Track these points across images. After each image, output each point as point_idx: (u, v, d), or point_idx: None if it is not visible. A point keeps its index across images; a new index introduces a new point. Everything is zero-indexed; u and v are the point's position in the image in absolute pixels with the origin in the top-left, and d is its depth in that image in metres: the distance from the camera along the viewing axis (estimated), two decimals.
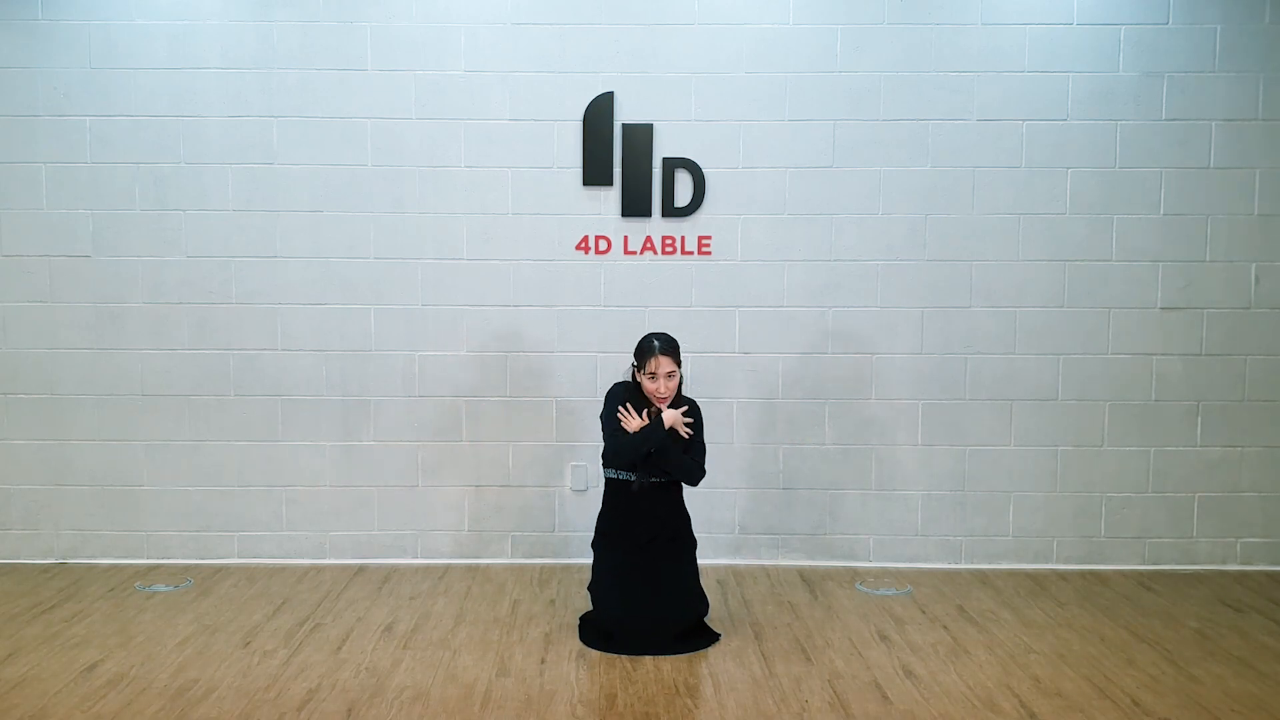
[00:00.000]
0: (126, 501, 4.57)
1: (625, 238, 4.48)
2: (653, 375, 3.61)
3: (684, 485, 3.74)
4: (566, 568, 4.52)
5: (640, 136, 4.43)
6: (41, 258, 4.48)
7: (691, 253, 4.49)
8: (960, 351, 4.53)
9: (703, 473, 3.70)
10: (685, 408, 3.67)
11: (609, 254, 4.49)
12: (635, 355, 3.70)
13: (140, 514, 4.57)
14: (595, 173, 4.45)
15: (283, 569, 4.50)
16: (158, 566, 4.52)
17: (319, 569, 4.50)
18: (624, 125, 4.43)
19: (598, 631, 3.64)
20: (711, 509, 4.56)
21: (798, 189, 4.47)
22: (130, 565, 4.53)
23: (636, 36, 4.42)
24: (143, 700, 3.15)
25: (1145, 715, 3.07)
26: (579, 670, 3.39)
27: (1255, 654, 3.56)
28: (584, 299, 4.49)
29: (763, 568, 4.54)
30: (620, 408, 3.63)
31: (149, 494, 4.57)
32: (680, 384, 3.70)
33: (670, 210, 4.47)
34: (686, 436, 3.65)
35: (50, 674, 3.35)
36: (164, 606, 4.01)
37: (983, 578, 4.43)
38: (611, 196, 4.48)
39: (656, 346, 3.62)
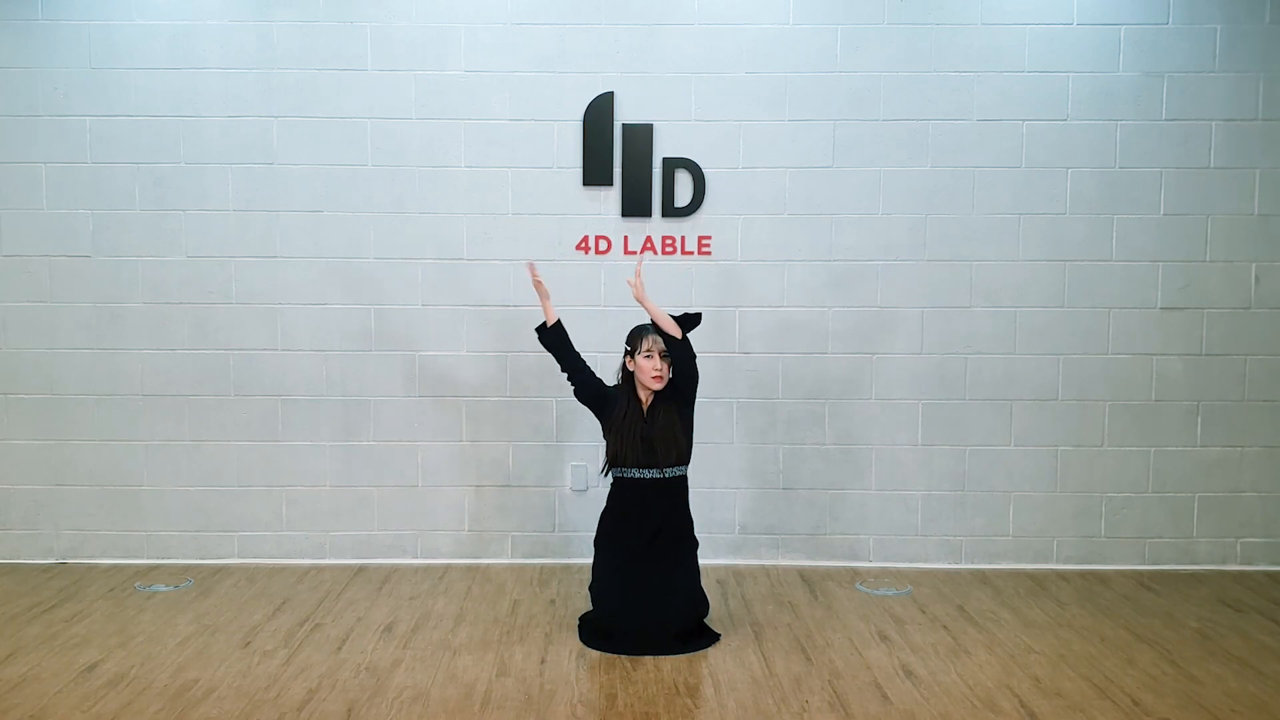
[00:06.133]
0: (126, 501, 4.57)
1: (625, 238, 4.48)
2: (649, 354, 3.63)
3: (688, 486, 3.76)
4: (566, 568, 4.52)
5: (640, 136, 4.43)
6: (41, 258, 4.48)
7: (691, 253, 4.49)
8: (960, 351, 4.53)
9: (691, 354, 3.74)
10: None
11: (609, 254, 4.49)
12: (628, 341, 3.73)
13: (140, 514, 4.57)
14: (595, 173, 4.45)
15: (283, 569, 4.50)
16: (158, 566, 4.52)
17: (319, 569, 4.50)
18: (624, 125, 4.43)
19: (598, 631, 3.64)
20: (711, 509, 4.56)
21: (798, 189, 4.47)
22: (130, 565, 4.53)
23: (636, 36, 4.42)
24: (143, 700, 3.15)
25: (1145, 715, 3.07)
26: (579, 670, 3.39)
27: (1255, 654, 3.56)
28: (584, 299, 4.48)
29: (763, 568, 4.54)
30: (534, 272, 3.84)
31: (149, 494, 4.57)
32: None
33: (670, 210, 4.47)
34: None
35: (50, 674, 3.35)
36: (164, 606, 4.01)
37: (983, 578, 4.43)
38: (611, 196, 4.48)
39: (651, 328, 3.67)
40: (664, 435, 3.63)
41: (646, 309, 3.65)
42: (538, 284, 3.80)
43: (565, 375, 3.79)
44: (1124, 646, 3.62)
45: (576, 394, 3.78)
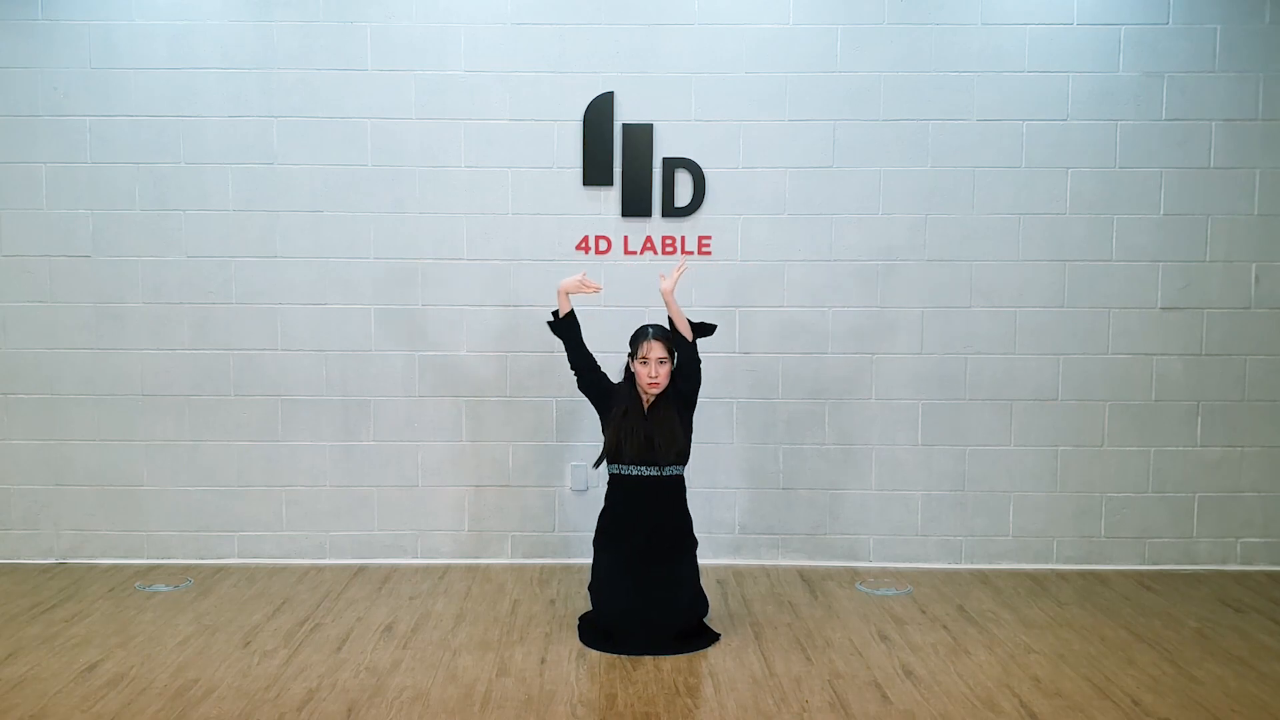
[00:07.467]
0: (126, 501, 4.57)
1: (625, 238, 4.49)
2: (644, 360, 3.65)
3: (685, 487, 3.76)
4: (566, 568, 4.52)
5: (640, 136, 4.43)
6: (41, 258, 4.48)
7: (691, 253, 4.49)
8: (960, 351, 4.53)
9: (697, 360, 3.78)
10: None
11: (609, 254, 4.49)
12: (630, 342, 3.75)
13: (140, 514, 4.57)
14: (595, 173, 4.45)
15: (283, 569, 4.50)
16: (158, 566, 4.52)
17: (319, 569, 4.50)
18: (624, 125, 4.43)
19: (598, 631, 3.64)
20: (711, 509, 4.56)
21: (798, 189, 4.47)
22: (130, 565, 4.53)
23: (636, 36, 4.42)
24: (143, 700, 3.15)
25: (1145, 715, 3.07)
26: (579, 670, 3.39)
27: (1255, 654, 3.56)
28: (584, 299, 4.45)
29: (763, 568, 4.54)
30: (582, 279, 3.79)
31: (149, 494, 4.57)
32: (672, 375, 3.72)
33: (670, 210, 4.47)
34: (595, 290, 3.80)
35: (50, 674, 3.35)
36: (164, 606, 4.01)
37: (983, 578, 4.43)
38: (611, 196, 4.48)
39: (650, 332, 3.70)
40: (664, 433, 3.64)
41: (667, 302, 3.71)
42: (583, 286, 3.76)
43: (570, 365, 3.81)
44: (1124, 646, 3.62)
45: (579, 385, 3.82)
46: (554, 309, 3.82)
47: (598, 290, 3.81)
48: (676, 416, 3.68)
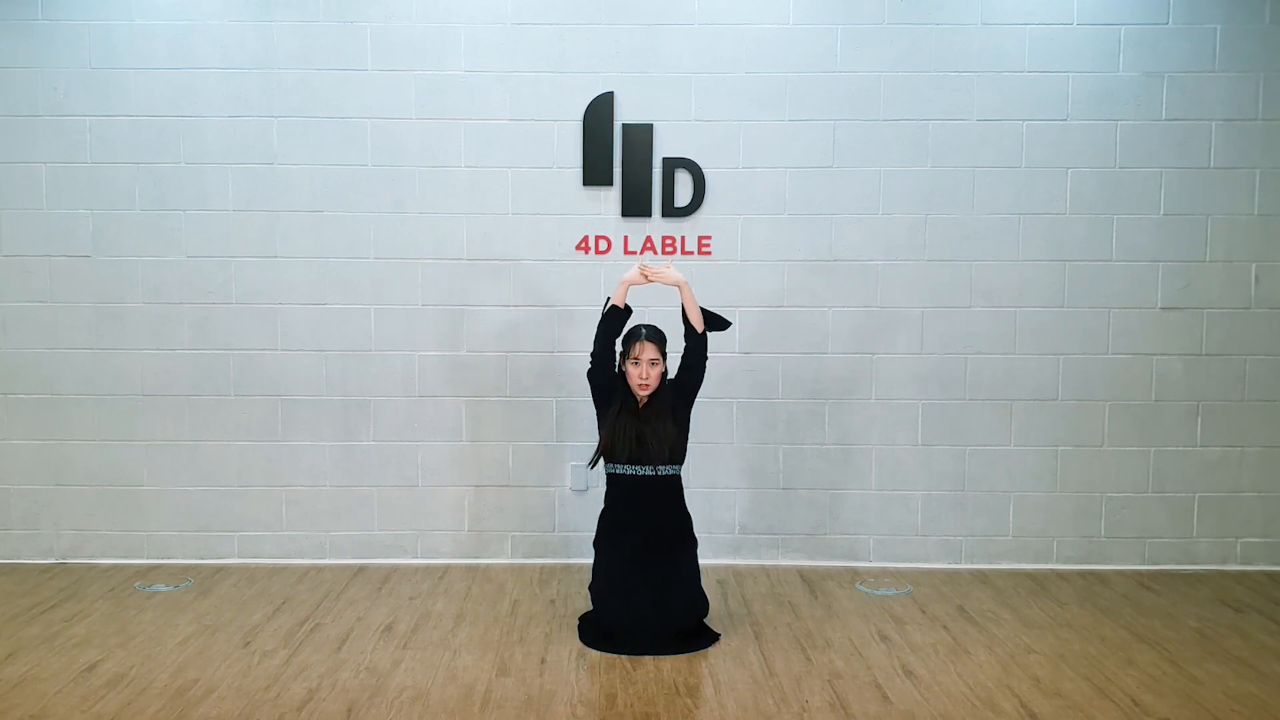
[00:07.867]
0: (126, 501, 4.57)
1: (625, 238, 4.49)
2: (636, 361, 3.64)
3: (682, 486, 3.76)
4: (566, 568, 4.52)
5: (640, 136, 4.43)
6: (41, 258, 4.48)
7: (691, 253, 4.49)
8: (960, 351, 4.53)
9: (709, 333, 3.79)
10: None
11: (609, 254, 4.49)
12: (622, 342, 3.74)
13: (140, 514, 4.57)
14: (595, 173, 4.45)
15: (283, 569, 4.50)
16: (158, 566, 4.52)
17: (319, 569, 4.50)
18: (624, 125, 4.43)
19: (598, 631, 3.64)
20: (711, 509, 4.56)
21: (798, 189, 4.47)
22: (130, 565, 4.53)
23: (636, 36, 4.42)
24: (143, 700, 3.15)
25: (1145, 715, 3.08)
26: (579, 670, 3.39)
27: (1255, 654, 3.57)
28: (584, 299, 4.48)
29: (763, 568, 4.54)
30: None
31: (149, 494, 4.57)
32: (664, 376, 3.71)
33: (670, 210, 4.47)
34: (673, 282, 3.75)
35: (50, 674, 3.35)
36: (164, 606, 4.01)
37: (983, 578, 4.43)
38: (611, 196, 4.48)
39: (643, 333, 3.68)
40: (657, 433, 3.63)
41: (679, 289, 3.71)
42: (644, 276, 3.74)
43: (593, 351, 3.76)
44: (1124, 646, 3.62)
45: (590, 372, 3.78)
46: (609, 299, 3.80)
47: (665, 267, 3.76)
48: (670, 416, 3.68)
